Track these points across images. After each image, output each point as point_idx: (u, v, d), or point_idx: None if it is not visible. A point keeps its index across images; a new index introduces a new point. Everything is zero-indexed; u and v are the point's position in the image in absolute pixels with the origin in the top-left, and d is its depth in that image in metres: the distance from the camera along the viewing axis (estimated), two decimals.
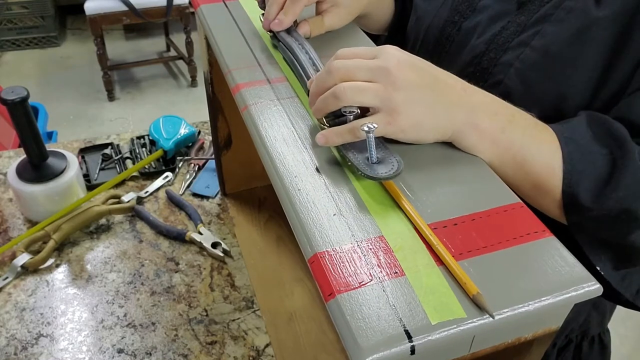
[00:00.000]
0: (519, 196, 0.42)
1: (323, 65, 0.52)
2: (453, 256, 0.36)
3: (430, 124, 0.43)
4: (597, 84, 0.51)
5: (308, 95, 0.48)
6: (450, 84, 0.44)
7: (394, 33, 0.79)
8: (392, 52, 0.44)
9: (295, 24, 0.58)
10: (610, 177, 0.44)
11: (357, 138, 0.43)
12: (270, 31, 0.58)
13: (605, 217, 0.45)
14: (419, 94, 0.42)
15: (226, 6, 0.66)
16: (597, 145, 0.46)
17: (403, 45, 0.74)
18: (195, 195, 0.92)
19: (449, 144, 0.46)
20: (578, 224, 0.46)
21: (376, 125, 0.41)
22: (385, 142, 0.44)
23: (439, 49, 0.63)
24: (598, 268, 0.46)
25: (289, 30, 0.58)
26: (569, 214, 0.45)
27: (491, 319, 0.33)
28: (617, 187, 0.44)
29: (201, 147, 1.01)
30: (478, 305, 0.33)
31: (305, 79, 0.51)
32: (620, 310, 0.74)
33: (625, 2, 0.49)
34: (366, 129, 0.41)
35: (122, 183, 0.93)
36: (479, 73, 0.58)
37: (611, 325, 0.77)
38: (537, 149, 0.45)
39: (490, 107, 0.45)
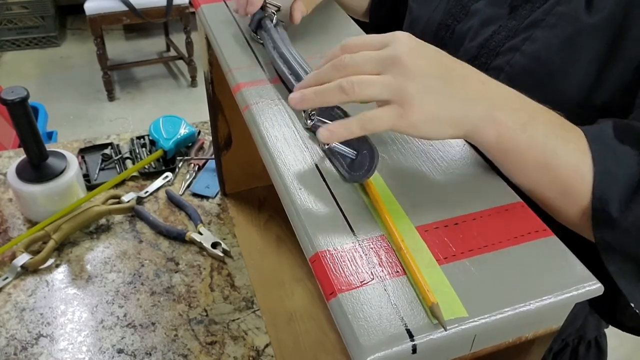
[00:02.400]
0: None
1: (303, 61, 0.51)
2: (446, 257, 0.36)
3: (444, 118, 0.39)
4: (589, 91, 0.50)
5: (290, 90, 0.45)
6: (468, 75, 0.41)
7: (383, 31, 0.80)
8: (403, 40, 0.40)
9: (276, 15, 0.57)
10: None
11: (370, 131, 0.40)
12: (254, 31, 0.58)
13: (638, 230, 0.39)
14: (433, 85, 0.39)
15: (227, 6, 0.66)
16: (625, 146, 0.41)
17: None
18: (195, 195, 0.92)
19: (449, 142, 0.46)
20: (607, 241, 0.41)
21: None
22: (368, 138, 0.42)
23: None
24: (632, 305, 0.40)
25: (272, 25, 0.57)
26: (599, 227, 0.40)
27: (493, 318, 0.33)
28: None
29: (201, 147, 1.01)
30: (434, 317, 0.32)
31: (289, 74, 0.50)
32: None
33: (613, 9, 0.48)
34: (325, 146, 0.40)
35: (122, 183, 0.93)
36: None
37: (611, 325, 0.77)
38: (563, 149, 0.41)
39: (511, 102, 0.41)
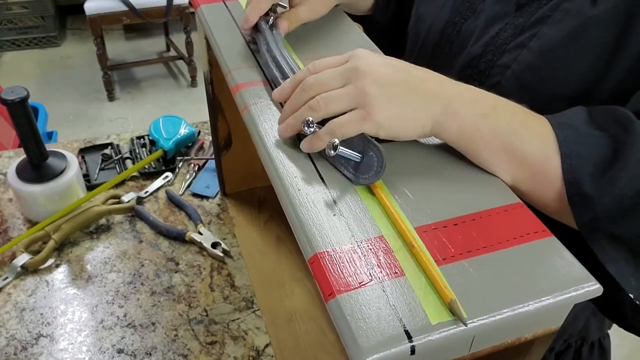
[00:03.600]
0: (524, 202, 0.41)
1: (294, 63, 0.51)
2: (445, 258, 0.36)
3: (408, 116, 0.42)
4: (595, 83, 0.50)
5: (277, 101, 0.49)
6: (426, 78, 0.43)
7: (392, 33, 0.80)
8: (362, 54, 0.43)
9: (273, 18, 0.58)
10: (615, 156, 0.39)
11: (340, 137, 0.42)
12: (252, 37, 0.58)
13: (619, 205, 0.39)
14: (392, 88, 0.42)
15: (226, 6, 0.66)
16: (597, 130, 0.42)
17: (402, 47, 0.75)
18: (195, 195, 0.92)
19: (447, 145, 0.46)
20: (588, 224, 0.40)
21: (337, 141, 0.41)
22: (371, 139, 0.42)
23: (438, 51, 0.63)
24: (616, 277, 0.39)
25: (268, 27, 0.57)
26: (577, 209, 0.40)
27: (491, 319, 0.33)
28: (625, 165, 0.39)
29: (201, 147, 1.01)
30: (453, 313, 0.33)
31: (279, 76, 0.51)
32: None
33: (618, 1, 0.48)
34: (332, 149, 0.41)
35: (122, 183, 0.93)
36: (476, 75, 0.58)
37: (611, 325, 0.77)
38: (528, 134, 0.42)
39: (470, 95, 0.43)
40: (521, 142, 0.42)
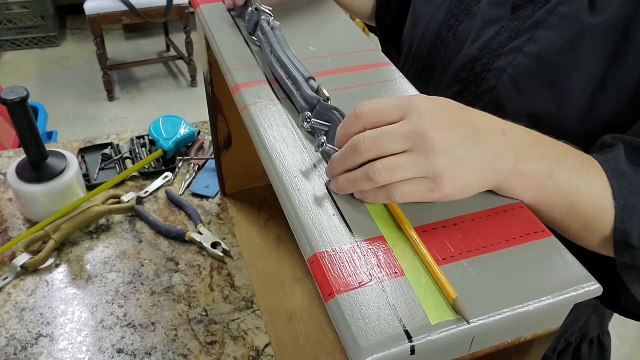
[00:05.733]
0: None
1: (299, 64, 0.51)
2: (444, 259, 0.36)
3: (476, 184, 0.39)
4: (595, 93, 0.50)
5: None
6: (490, 131, 0.40)
7: (390, 35, 0.80)
8: (423, 109, 0.38)
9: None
10: None
11: (399, 202, 0.39)
12: (251, 34, 0.58)
13: None
14: (461, 154, 0.38)
15: None
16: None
17: (398, 49, 0.75)
18: (195, 195, 0.92)
19: None
20: (629, 264, 0.43)
21: (324, 139, 0.40)
22: None
23: (435, 53, 0.63)
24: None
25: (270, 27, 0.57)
26: (620, 253, 0.42)
27: (492, 319, 0.33)
28: None
29: (201, 147, 1.01)
30: (456, 311, 0.33)
31: (286, 78, 0.50)
32: None
33: (620, 9, 0.48)
34: (320, 149, 0.40)
35: (122, 183, 0.93)
36: (472, 79, 0.58)
37: (611, 325, 0.77)
38: (587, 189, 0.42)
39: (535, 151, 0.41)
40: (581, 197, 0.42)
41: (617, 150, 0.45)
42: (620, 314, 0.51)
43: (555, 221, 0.43)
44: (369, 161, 0.39)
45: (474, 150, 0.38)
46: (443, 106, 0.39)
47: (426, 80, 0.65)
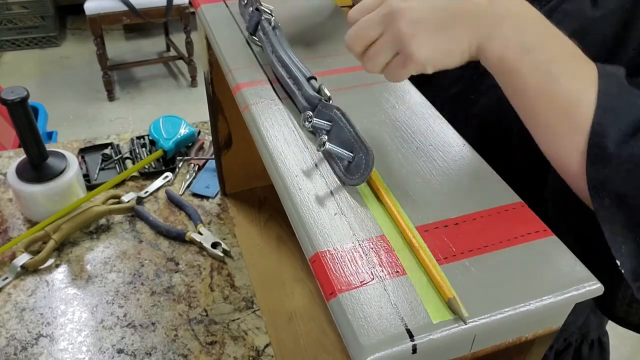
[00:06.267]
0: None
1: (298, 62, 0.51)
2: (446, 258, 0.36)
3: (451, 46, 0.40)
4: None
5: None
6: (472, 1, 0.40)
7: None
8: None
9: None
10: None
11: (393, 81, 0.44)
12: (252, 34, 0.58)
13: (634, 167, 0.38)
14: (431, 20, 0.39)
15: (226, 6, 0.66)
16: (635, 90, 0.41)
17: None
18: (195, 195, 0.92)
19: (449, 142, 0.46)
20: (598, 179, 0.39)
21: (325, 138, 0.41)
22: (363, 140, 0.42)
23: None
24: (607, 239, 0.40)
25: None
26: (592, 163, 0.39)
27: (493, 318, 0.33)
28: None
29: (201, 147, 1.01)
30: (452, 310, 0.33)
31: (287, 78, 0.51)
32: None
33: (621, 2, 0.48)
34: (321, 148, 0.41)
35: (122, 183, 0.93)
36: (476, 77, 0.58)
37: (611, 325, 0.77)
38: (568, 78, 0.39)
39: (521, 22, 0.40)
40: (559, 86, 0.39)
41: (618, 67, 0.43)
42: (615, 322, 0.50)
43: (527, 109, 0.41)
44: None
45: (446, 14, 0.39)
46: None
47: (427, 79, 0.65)
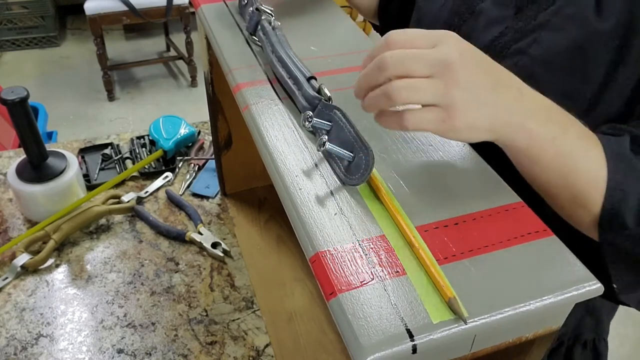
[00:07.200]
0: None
1: (300, 63, 0.51)
2: (446, 258, 0.36)
3: (485, 126, 0.40)
4: (596, 95, 0.50)
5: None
6: (510, 85, 0.41)
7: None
8: (454, 43, 0.39)
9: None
10: None
11: (410, 130, 0.41)
12: (252, 34, 0.58)
13: None
14: (480, 95, 0.39)
15: (227, 6, 0.66)
16: None
17: None
18: (195, 195, 0.92)
19: (449, 142, 0.46)
20: (610, 241, 0.44)
21: (325, 138, 0.40)
22: (363, 140, 0.42)
23: None
24: (615, 286, 0.45)
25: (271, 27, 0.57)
26: (604, 231, 0.43)
27: (493, 318, 0.33)
28: None
29: (201, 147, 1.01)
30: (452, 310, 0.33)
31: (287, 78, 0.51)
32: (620, 311, 0.73)
33: (624, 11, 0.48)
34: (322, 148, 0.41)
35: (122, 183, 0.93)
36: None
37: (611, 325, 0.77)
38: (585, 161, 0.43)
39: (545, 114, 0.42)
40: (577, 167, 0.43)
41: (622, 137, 0.46)
42: (617, 303, 0.51)
43: (548, 186, 0.44)
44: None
45: (492, 95, 0.40)
46: (473, 48, 0.40)
47: None
